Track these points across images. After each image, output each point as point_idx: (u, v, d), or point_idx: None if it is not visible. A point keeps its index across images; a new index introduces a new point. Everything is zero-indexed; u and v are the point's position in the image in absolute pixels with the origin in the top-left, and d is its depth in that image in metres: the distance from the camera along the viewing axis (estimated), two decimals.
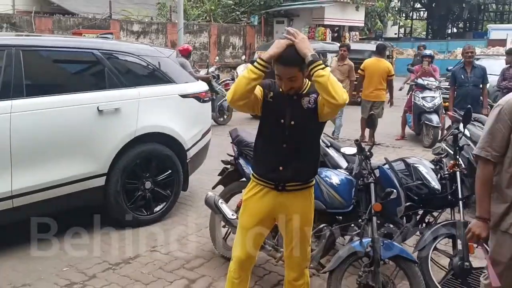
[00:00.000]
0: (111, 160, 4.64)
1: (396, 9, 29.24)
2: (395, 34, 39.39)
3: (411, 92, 9.75)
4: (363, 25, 20.12)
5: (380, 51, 9.37)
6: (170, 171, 5.02)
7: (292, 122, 2.66)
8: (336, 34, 18.30)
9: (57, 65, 4.79)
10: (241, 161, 4.04)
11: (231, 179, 4.25)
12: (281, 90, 2.69)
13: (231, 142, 4.21)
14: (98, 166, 4.56)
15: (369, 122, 4.54)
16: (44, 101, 4.27)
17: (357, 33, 19.36)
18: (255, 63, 2.57)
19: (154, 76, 5.18)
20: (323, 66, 2.50)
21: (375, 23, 23.39)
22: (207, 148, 5.79)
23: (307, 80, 2.73)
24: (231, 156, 4.21)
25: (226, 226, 4.09)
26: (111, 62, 4.81)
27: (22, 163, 4.11)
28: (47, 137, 4.26)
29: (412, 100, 9.35)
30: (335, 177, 3.62)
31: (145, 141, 4.86)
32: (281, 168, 2.69)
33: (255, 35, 18.79)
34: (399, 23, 32.95)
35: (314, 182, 2.91)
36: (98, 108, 4.52)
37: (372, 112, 9.02)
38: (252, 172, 2.91)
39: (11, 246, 4.26)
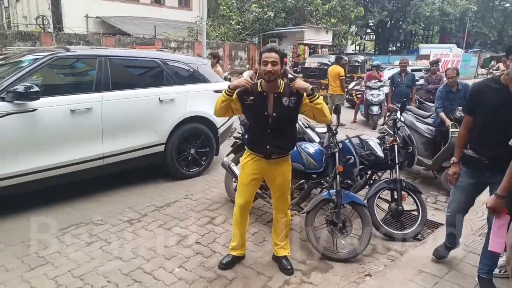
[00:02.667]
0: (168, 133, 4.72)
1: (354, 33, 28.76)
2: (353, 50, 38.89)
3: (363, 90, 9.58)
4: (331, 43, 19.79)
5: (337, 60, 9.32)
6: (207, 141, 5.07)
7: (275, 114, 2.64)
8: (312, 50, 18.01)
9: (131, 69, 4.81)
10: (246, 137, 4.01)
11: (239, 149, 4.23)
12: (260, 90, 2.65)
13: (239, 124, 4.18)
14: (159, 137, 4.64)
15: (335, 110, 4.50)
16: (123, 93, 4.34)
17: (326, 49, 19.05)
18: (225, 90, 2.67)
19: (196, 77, 5.16)
20: (318, 96, 2.64)
21: (340, 41, 23.03)
22: (231, 127, 5.83)
23: (281, 81, 2.69)
24: (240, 133, 4.18)
25: (235, 181, 4.08)
26: (167, 67, 4.85)
27: (109, 135, 4.18)
28: (126, 118, 4.33)
29: (364, 96, 9.27)
30: (311, 148, 3.59)
31: (190, 121, 4.89)
32: (268, 146, 2.69)
33: (256, 50, 18.53)
34: (356, 42, 32.44)
35: (291, 152, 2.88)
36: (159, 98, 4.60)
37: (338, 103, 8.98)
38: (248, 146, 2.87)
39: (89, 193, 4.27)
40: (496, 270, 2.72)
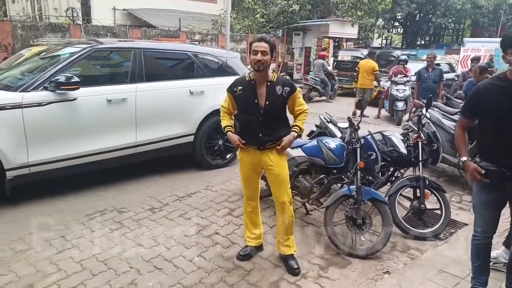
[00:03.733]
0: (197, 125, 4.83)
1: (381, 26, 28.06)
2: (379, 44, 37.94)
3: (389, 85, 9.36)
4: (356, 37, 19.38)
5: (370, 54, 9.54)
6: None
7: (268, 102, 2.63)
8: (337, 44, 17.69)
9: (164, 61, 4.97)
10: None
11: None
12: (248, 79, 2.69)
13: None
14: (189, 128, 4.78)
15: (358, 105, 4.42)
16: (156, 85, 4.49)
17: (351, 42, 18.65)
18: (225, 129, 2.84)
19: (226, 70, 5.23)
20: (298, 129, 2.75)
21: (366, 35, 22.51)
22: None
23: (274, 73, 2.72)
24: None
25: None
26: (198, 60, 4.99)
27: (142, 124, 4.35)
28: (157, 108, 4.49)
29: (389, 91, 9.06)
30: (332, 143, 3.56)
31: (219, 113, 4.92)
32: (260, 135, 2.67)
33: (279, 43, 18.40)
34: (383, 35, 31.61)
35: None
36: (190, 90, 4.73)
37: (361, 97, 8.85)
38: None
39: (112, 181, 4.41)
40: (501, 264, 2.63)
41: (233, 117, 2.89)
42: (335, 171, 3.55)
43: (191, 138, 4.80)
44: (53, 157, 3.76)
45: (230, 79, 5.24)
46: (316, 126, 4.67)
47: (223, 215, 3.73)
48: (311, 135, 4.58)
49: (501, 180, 2.27)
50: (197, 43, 13.04)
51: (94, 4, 15.10)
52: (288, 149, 3.74)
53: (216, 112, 4.88)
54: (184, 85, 4.71)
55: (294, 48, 18.50)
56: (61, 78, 3.67)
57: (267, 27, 18.53)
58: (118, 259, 2.88)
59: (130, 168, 4.57)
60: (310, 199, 3.60)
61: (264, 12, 18.76)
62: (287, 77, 10.74)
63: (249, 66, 10.04)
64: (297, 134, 2.74)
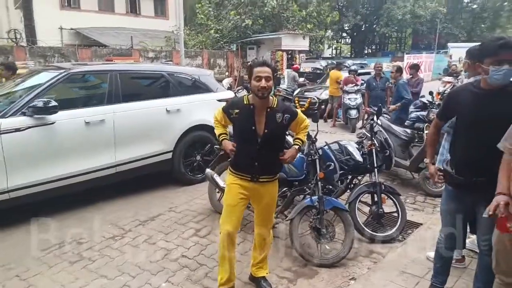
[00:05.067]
0: (175, 142, 4.91)
1: (330, 37, 29.23)
2: (330, 54, 39.46)
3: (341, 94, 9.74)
4: (308, 49, 20.06)
5: (337, 65, 10.68)
6: (210, 147, 5.07)
7: (266, 131, 2.45)
8: (290, 56, 18.21)
9: (140, 82, 5.10)
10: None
11: (222, 159, 4.24)
12: (246, 103, 2.49)
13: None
14: (167, 145, 4.86)
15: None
16: (133, 105, 4.57)
17: (303, 54, 19.29)
18: (220, 137, 2.67)
19: (200, 87, 5.37)
20: (300, 142, 2.67)
21: (317, 46, 23.37)
22: None
23: (274, 97, 2.56)
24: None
25: (219, 191, 4.11)
26: (173, 79, 5.09)
27: (121, 144, 4.41)
28: (136, 128, 4.54)
29: (342, 100, 9.45)
30: None
31: (196, 130, 5.08)
32: (256, 166, 2.49)
33: (234, 57, 18.62)
34: (333, 46, 32.94)
35: (278, 175, 2.73)
36: (166, 109, 4.82)
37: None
38: (231, 168, 2.64)
39: (70, 209, 4.20)
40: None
41: (227, 128, 2.74)
42: (297, 183, 3.64)
43: (170, 155, 4.88)
44: (33, 181, 3.80)
45: (205, 96, 5.44)
46: None
47: (189, 236, 3.67)
48: None
49: (459, 188, 2.34)
50: (171, 62, 13.02)
51: (38, 25, 14.44)
52: None
53: (193, 129, 5.08)
54: (160, 104, 4.80)
55: (249, 61, 18.78)
56: (39, 103, 3.72)
57: (221, 42, 18.72)
58: None
59: (90, 193, 4.39)
60: (275, 212, 3.64)
61: (218, 27, 18.95)
62: (244, 91, 10.90)
63: (225, 82, 9.92)
64: (299, 147, 2.65)
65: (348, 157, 3.88)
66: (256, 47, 18.44)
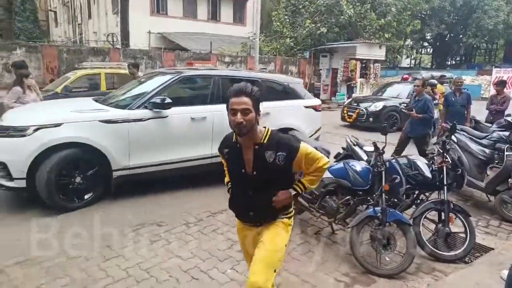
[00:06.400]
0: None
1: (410, 46, 27.97)
2: (408, 64, 37.67)
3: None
4: (384, 58, 19.51)
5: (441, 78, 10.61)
6: None
7: (255, 173, 2.01)
8: (364, 65, 17.90)
9: None
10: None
11: None
12: (234, 140, 2.07)
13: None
14: None
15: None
16: None
17: (379, 64, 18.80)
18: (228, 184, 2.26)
19: (290, 94, 5.87)
20: (301, 188, 2.12)
21: (394, 56, 22.61)
22: (318, 139, 6.33)
23: (267, 128, 2.05)
24: None
25: None
26: (266, 85, 5.62)
27: (217, 139, 4.99)
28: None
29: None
30: (358, 166, 3.74)
31: (282, 132, 5.41)
32: (251, 213, 2.09)
33: (306, 64, 18.81)
34: (412, 56, 31.47)
35: (292, 213, 2.20)
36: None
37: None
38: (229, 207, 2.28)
39: (151, 196, 4.76)
40: None
41: None
42: (361, 192, 3.73)
43: None
44: (148, 162, 4.65)
45: (294, 102, 5.93)
46: (343, 148, 4.87)
47: None
48: (338, 157, 4.78)
49: None
50: (265, 69, 13.95)
51: (131, 29, 16.07)
52: None
53: (280, 131, 5.38)
54: None
55: (321, 69, 18.84)
56: (157, 99, 4.60)
57: (295, 49, 19.04)
58: (159, 268, 3.17)
59: (166, 184, 4.93)
60: (336, 219, 3.78)
61: (292, 35, 19.31)
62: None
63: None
64: (295, 194, 2.12)
65: (417, 172, 3.86)
66: (329, 55, 18.45)
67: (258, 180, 2.03)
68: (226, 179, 2.30)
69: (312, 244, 3.74)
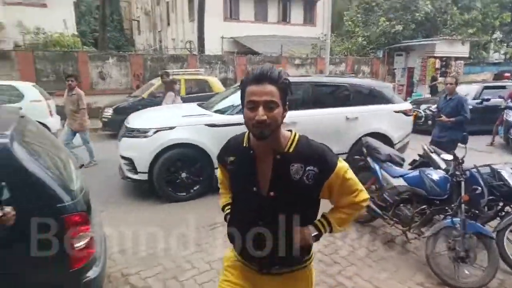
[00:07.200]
0: (351, 145, 5.69)
1: (498, 40, 25.39)
2: (496, 59, 34.20)
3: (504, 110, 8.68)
4: (467, 55, 18.07)
5: None
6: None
7: (272, 193, 1.44)
8: (444, 63, 16.76)
9: (327, 92, 6.04)
10: (369, 159, 4.29)
11: (361, 170, 4.53)
12: (246, 145, 1.52)
13: (362, 146, 4.48)
14: (344, 148, 5.64)
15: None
16: (321, 111, 5.62)
17: (462, 61, 17.43)
18: (224, 210, 1.72)
19: (379, 98, 6.05)
20: (325, 226, 1.55)
21: (479, 52, 20.79)
22: (407, 144, 6.38)
23: (294, 133, 1.51)
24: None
25: None
26: (355, 90, 5.98)
27: None
28: (321, 130, 5.35)
29: (504, 116, 8.41)
30: (435, 174, 3.68)
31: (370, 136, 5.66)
32: (260, 252, 1.49)
33: (380, 64, 18.19)
34: (501, 51, 28.48)
35: (312, 259, 1.62)
36: (346, 116, 5.66)
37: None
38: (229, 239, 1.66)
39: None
40: None
41: None
42: (438, 202, 3.66)
43: (344, 157, 5.54)
44: None
45: (383, 107, 6.02)
46: (419, 155, 4.76)
47: (325, 236, 4.06)
48: (413, 164, 4.69)
49: None
50: (353, 75, 14.18)
51: (207, 35, 17.01)
52: (389, 178, 3.99)
53: (368, 135, 5.51)
54: (341, 112, 5.68)
55: (395, 68, 18.08)
56: None
57: (367, 49, 18.51)
58: None
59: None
60: (411, 227, 3.76)
61: (365, 33, 18.80)
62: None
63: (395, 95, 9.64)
64: (316, 234, 1.53)
65: (501, 182, 3.68)
66: (405, 54, 17.63)
67: (275, 205, 1.45)
68: (223, 200, 1.73)
69: (384, 251, 3.77)
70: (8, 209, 1.67)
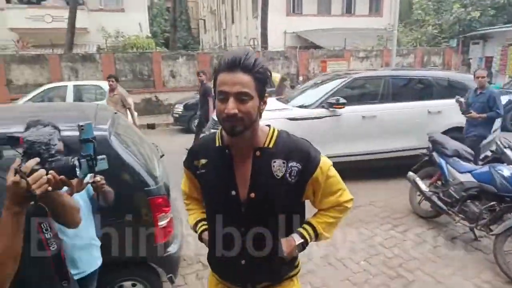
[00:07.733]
0: None
1: None
2: None
3: None
4: None
5: None
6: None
7: (253, 194, 1.29)
8: None
9: (407, 85, 6.02)
10: (435, 154, 4.21)
11: (425, 165, 4.45)
12: (219, 144, 1.34)
13: (428, 140, 4.40)
14: (425, 142, 5.24)
15: None
16: (402, 105, 5.62)
17: None
18: (197, 227, 1.55)
19: (463, 91, 5.71)
20: (310, 233, 1.39)
21: None
22: (493, 141, 5.73)
23: (272, 128, 1.35)
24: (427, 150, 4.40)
25: (420, 194, 4.34)
26: (437, 83, 5.89)
27: (387, 136, 5.47)
28: (400, 124, 5.53)
29: None
30: (507, 171, 3.52)
31: (451, 131, 5.48)
32: (243, 262, 1.35)
33: (453, 54, 16.96)
34: None
35: (300, 265, 1.49)
36: (428, 110, 5.65)
37: None
38: (210, 266, 1.53)
39: None
40: None
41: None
42: (509, 199, 3.50)
43: (424, 151, 4.90)
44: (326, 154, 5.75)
45: None
46: (491, 151, 4.53)
47: (387, 229, 4.12)
48: (485, 160, 4.49)
49: None
50: (437, 67, 13.77)
51: (269, 31, 17.21)
52: (455, 173, 3.89)
53: (450, 131, 5.52)
54: (423, 105, 5.65)
55: (470, 58, 16.74)
56: (333, 100, 5.24)
57: (439, 38, 17.38)
58: None
59: None
60: (478, 224, 3.64)
61: (436, 22, 17.66)
62: None
63: None
64: (302, 242, 1.38)
65: None
66: (483, 42, 16.23)
67: (257, 208, 1.30)
68: (194, 217, 1.57)
69: (449, 247, 3.71)
70: (98, 178, 1.93)
